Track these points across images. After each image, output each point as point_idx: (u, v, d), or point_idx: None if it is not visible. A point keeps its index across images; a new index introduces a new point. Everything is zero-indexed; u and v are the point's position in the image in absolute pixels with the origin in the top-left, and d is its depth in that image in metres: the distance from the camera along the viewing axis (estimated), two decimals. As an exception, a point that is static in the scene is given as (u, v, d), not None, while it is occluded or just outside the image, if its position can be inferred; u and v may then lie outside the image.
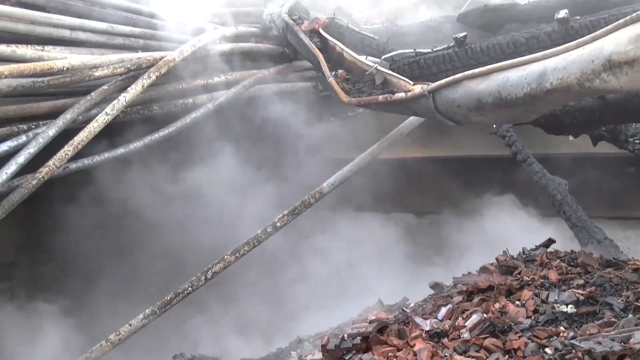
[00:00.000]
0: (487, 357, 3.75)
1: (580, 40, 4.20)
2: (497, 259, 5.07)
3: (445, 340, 3.98)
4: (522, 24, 6.43)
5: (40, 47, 6.13)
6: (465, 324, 4.04)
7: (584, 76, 4.13)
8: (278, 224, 6.18)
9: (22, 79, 5.75)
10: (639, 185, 5.85)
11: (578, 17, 5.69)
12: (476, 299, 4.48)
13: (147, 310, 5.73)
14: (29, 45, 6.08)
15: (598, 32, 4.08)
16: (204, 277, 5.83)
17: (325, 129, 7.64)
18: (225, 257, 5.94)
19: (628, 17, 3.94)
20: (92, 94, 6.01)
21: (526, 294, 4.33)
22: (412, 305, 5.03)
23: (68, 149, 5.53)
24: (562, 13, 5.69)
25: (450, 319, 4.25)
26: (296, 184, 7.06)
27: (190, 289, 5.78)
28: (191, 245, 7.93)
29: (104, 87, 6.09)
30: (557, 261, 4.82)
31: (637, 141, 4.92)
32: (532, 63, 4.50)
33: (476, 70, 4.81)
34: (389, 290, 6.09)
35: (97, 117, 5.72)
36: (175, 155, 7.57)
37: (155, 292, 6.61)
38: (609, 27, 4.01)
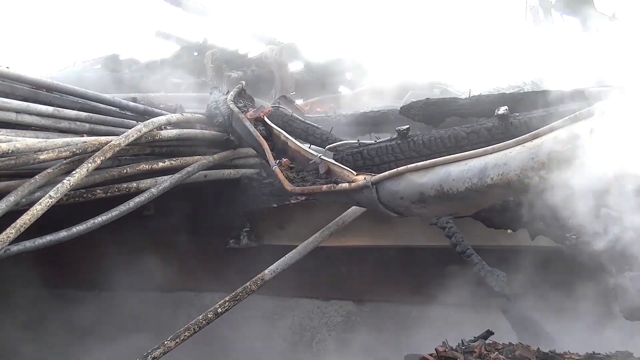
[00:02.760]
0: None
1: (520, 137, 4.32)
2: (436, 349, 5.10)
3: None
4: (463, 118, 6.57)
5: (-15, 130, 6.13)
6: (407, 414, 4.07)
7: (523, 173, 4.24)
8: (219, 310, 6.15)
9: (-34, 160, 5.74)
10: (574, 279, 5.94)
11: (517, 114, 5.84)
12: (416, 389, 4.51)
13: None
14: (-25, 128, 6.08)
15: (538, 130, 4.20)
16: (143, 362, 5.78)
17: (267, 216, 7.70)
18: (165, 342, 5.88)
19: (567, 117, 4.07)
20: (37, 177, 5.99)
21: (465, 385, 4.37)
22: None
23: (10, 232, 5.47)
24: (502, 109, 5.84)
25: (391, 409, 4.27)
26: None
27: (129, 374, 5.72)
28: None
29: (49, 170, 6.08)
30: (496, 353, 4.87)
31: (574, 236, 5.03)
32: (473, 158, 4.60)
33: (419, 164, 4.90)
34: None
35: (40, 200, 5.68)
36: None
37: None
38: (549, 125, 4.14)
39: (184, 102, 8.42)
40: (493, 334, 5.37)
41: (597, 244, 4.80)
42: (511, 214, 4.77)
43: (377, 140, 6.44)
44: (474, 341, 5.24)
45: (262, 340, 7.85)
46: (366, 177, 5.36)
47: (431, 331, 6.24)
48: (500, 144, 4.52)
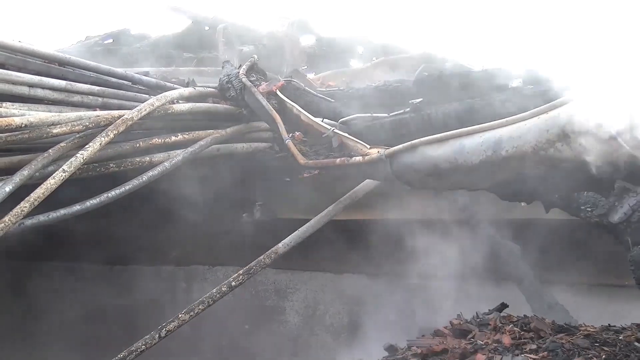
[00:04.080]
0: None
1: (535, 109, 4.30)
2: (451, 322, 5.10)
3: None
4: (476, 91, 6.53)
5: (-2, 104, 6.13)
6: (421, 387, 4.07)
7: (539, 145, 4.22)
8: (233, 283, 6.17)
9: (-21, 135, 5.74)
10: (589, 252, 5.93)
11: (531, 86, 5.80)
12: (431, 362, 4.51)
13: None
14: (-13, 102, 6.08)
15: (553, 102, 4.17)
16: (157, 335, 5.78)
17: (281, 190, 7.70)
18: (180, 315, 5.90)
19: (582, 88, 4.04)
20: (50, 150, 5.98)
21: (480, 358, 4.36)
22: (366, 367, 5.04)
23: (24, 205, 5.47)
24: (516, 82, 5.80)
25: (405, 381, 4.27)
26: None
27: (143, 347, 5.72)
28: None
29: (62, 144, 6.07)
30: (510, 326, 4.87)
31: (589, 209, 5.01)
32: (488, 130, 4.58)
33: (433, 137, 4.88)
34: (343, 351, 6.11)
35: (54, 174, 5.67)
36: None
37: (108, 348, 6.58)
38: (564, 97, 4.11)
39: (196, 77, 8.38)
40: (507, 306, 5.36)
41: (612, 217, 4.79)
42: (526, 186, 4.74)
43: (391, 114, 6.41)
44: (488, 314, 5.24)
45: (275, 313, 7.86)
46: (380, 150, 5.36)
47: (445, 305, 6.24)
48: (515, 116, 4.50)
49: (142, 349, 5.72)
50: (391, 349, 5.08)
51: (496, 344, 4.55)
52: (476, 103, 6.06)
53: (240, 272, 6.25)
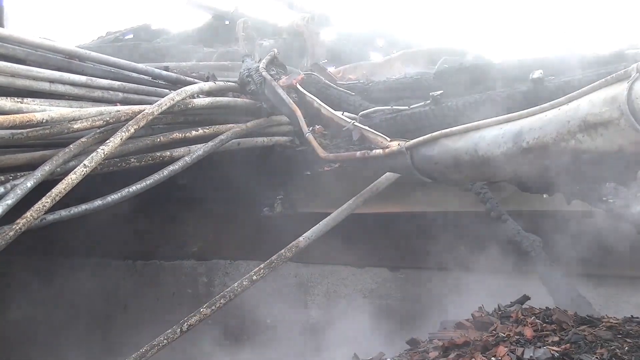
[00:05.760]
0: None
1: (556, 100, 4.28)
2: (472, 314, 5.11)
3: (422, 395, 4.00)
4: (497, 82, 6.50)
5: (19, 99, 6.12)
6: (442, 379, 4.07)
7: (559, 136, 4.21)
8: (254, 277, 6.18)
9: (0, 130, 5.75)
10: (611, 244, 5.90)
11: (552, 77, 5.77)
12: (452, 355, 4.51)
13: (121, 363, 5.68)
14: (8, 98, 6.06)
15: (574, 93, 4.16)
16: (179, 329, 5.80)
17: (302, 183, 7.71)
18: (202, 309, 5.92)
19: (603, 80, 4.02)
20: (71, 146, 6.00)
21: (502, 350, 4.36)
22: (388, 360, 5.05)
23: (46, 201, 5.49)
24: (537, 73, 5.76)
25: (426, 374, 4.27)
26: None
27: (165, 341, 5.74)
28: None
29: (83, 139, 6.10)
30: (532, 318, 4.86)
31: (611, 200, 4.99)
32: (508, 122, 4.58)
33: (453, 128, 4.88)
34: (364, 345, 6.10)
35: (75, 169, 5.69)
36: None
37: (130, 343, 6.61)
38: (585, 88, 4.10)
39: (216, 71, 8.39)
40: (529, 298, 5.36)
41: (634, 207, 4.76)
42: (547, 178, 4.72)
43: (411, 106, 6.39)
44: (510, 306, 5.23)
45: (296, 307, 7.87)
46: (400, 142, 5.36)
47: (466, 297, 6.21)
48: (535, 107, 4.49)
49: (163, 344, 5.74)
50: (413, 342, 5.09)
51: (518, 336, 4.55)
52: (496, 95, 6.03)
53: (262, 266, 6.26)
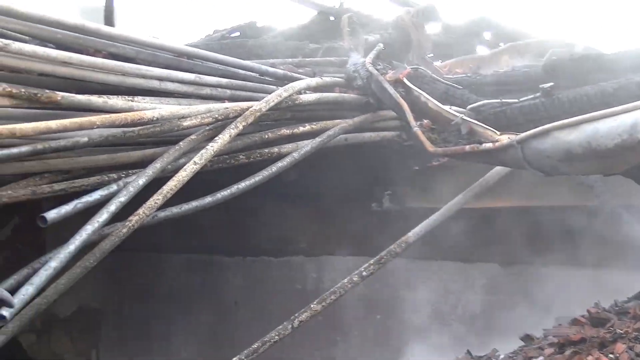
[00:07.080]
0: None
1: (673, 90, 4.17)
2: (588, 310, 5.00)
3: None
4: (609, 74, 6.37)
5: (130, 98, 6.23)
6: (558, 376, 4.00)
7: (678, 127, 4.09)
8: (364, 273, 6.18)
9: (113, 128, 5.85)
10: None
11: (669, 67, 5.65)
12: (568, 352, 4.43)
13: (234, 359, 5.72)
14: (120, 96, 6.19)
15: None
16: (290, 325, 5.83)
17: (410, 178, 7.67)
18: (312, 305, 5.94)
19: None
20: (181, 143, 6.07)
21: (620, 347, 4.26)
22: (502, 357, 4.99)
23: (157, 198, 5.57)
24: (652, 62, 5.64)
25: (542, 371, 4.21)
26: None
27: (277, 337, 5.78)
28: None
29: (192, 136, 6.16)
30: (651, 313, 4.75)
31: None
32: (623, 114, 4.49)
33: (565, 121, 4.80)
34: (477, 341, 6.05)
35: (185, 166, 5.77)
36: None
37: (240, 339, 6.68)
38: None
39: (322, 67, 8.41)
40: (647, 294, 5.24)
41: None
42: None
43: (520, 99, 6.30)
44: (627, 302, 5.12)
45: (406, 303, 7.84)
46: (510, 136, 5.29)
47: (580, 294, 6.09)
48: (652, 97, 4.38)
49: (275, 340, 5.77)
50: (527, 338, 5.02)
51: (637, 333, 4.44)
52: (609, 86, 5.91)
53: (371, 261, 6.26)
